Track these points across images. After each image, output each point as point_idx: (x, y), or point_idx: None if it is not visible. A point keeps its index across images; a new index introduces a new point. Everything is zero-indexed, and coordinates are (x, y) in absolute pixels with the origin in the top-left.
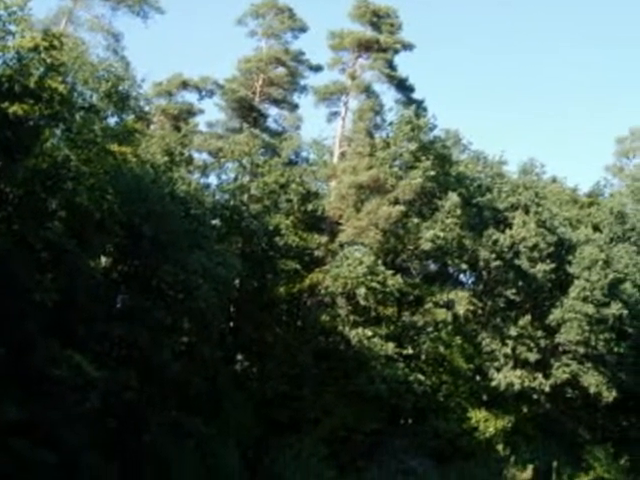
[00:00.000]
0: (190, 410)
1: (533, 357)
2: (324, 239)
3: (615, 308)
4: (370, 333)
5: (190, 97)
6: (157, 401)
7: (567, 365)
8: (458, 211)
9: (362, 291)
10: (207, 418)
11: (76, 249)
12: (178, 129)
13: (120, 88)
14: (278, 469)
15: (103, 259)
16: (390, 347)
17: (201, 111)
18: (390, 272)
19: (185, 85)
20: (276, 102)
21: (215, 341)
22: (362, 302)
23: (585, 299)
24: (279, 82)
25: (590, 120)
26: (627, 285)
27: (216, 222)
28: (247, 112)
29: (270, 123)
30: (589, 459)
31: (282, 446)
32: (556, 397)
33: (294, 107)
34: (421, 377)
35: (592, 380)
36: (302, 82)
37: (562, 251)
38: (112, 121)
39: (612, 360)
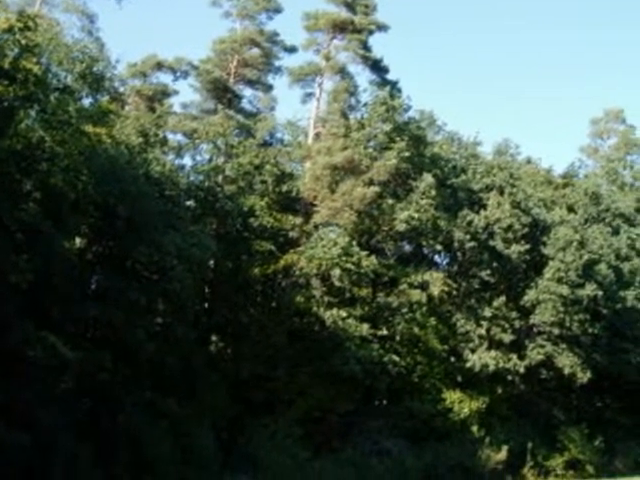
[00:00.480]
0: (165, 391)
1: (508, 338)
2: (299, 220)
3: (590, 289)
4: (345, 314)
5: (165, 78)
6: (131, 382)
7: (542, 346)
8: (433, 192)
9: (337, 272)
10: (182, 399)
11: (51, 230)
12: (153, 110)
13: (95, 69)
14: (253, 450)
15: (78, 240)
16: (365, 328)
17: (176, 92)
18: (365, 253)
19: (160, 66)
20: (250, 83)
21: (190, 322)
22: (337, 283)
23: (560, 280)
24: (254, 63)
25: (565, 101)
26: (602, 266)
27: (191, 203)
28: (221, 93)
29: (244, 104)
30: (564, 440)
31: (257, 427)
32: (531, 378)
33: (268, 88)
34: (396, 358)
35: (567, 361)
36: (277, 63)
37: (537, 232)
38: (87, 102)
39: (586, 341)
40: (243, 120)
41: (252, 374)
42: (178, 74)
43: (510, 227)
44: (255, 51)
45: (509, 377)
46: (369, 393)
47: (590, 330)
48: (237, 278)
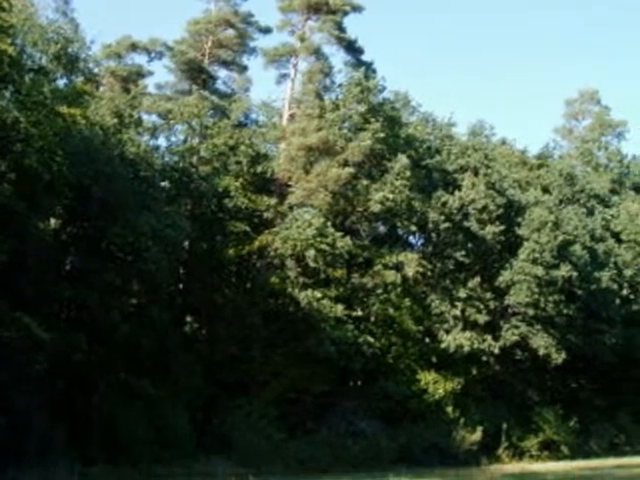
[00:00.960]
0: (139, 372)
1: (482, 319)
2: (273, 201)
3: (564, 270)
4: (319, 295)
5: (139, 59)
6: (106, 363)
7: (516, 327)
8: (407, 173)
9: (311, 253)
10: (156, 380)
11: (25, 211)
12: (127, 91)
13: (69, 50)
14: (227, 430)
15: (52, 221)
16: (339, 309)
17: (150, 73)
18: (339, 234)
19: (134, 47)
20: (225, 64)
21: (164, 303)
22: (311, 264)
23: (534, 261)
24: (228, 44)
25: (539, 82)
26: (576, 247)
27: (165, 184)
28: (196, 74)
29: (219, 85)
30: (538, 421)
31: (231, 408)
32: (505, 359)
33: (243, 69)
34: (370, 339)
35: (541, 342)
36: (251, 44)
37: (511, 213)
38: (61, 83)
39: (561, 322)
40: (218, 101)
41: (227, 355)
42: (153, 55)
43: (485, 208)
44: (230, 32)
45: (484, 358)
46: (344, 374)
47: (565, 311)
48: (212, 259)
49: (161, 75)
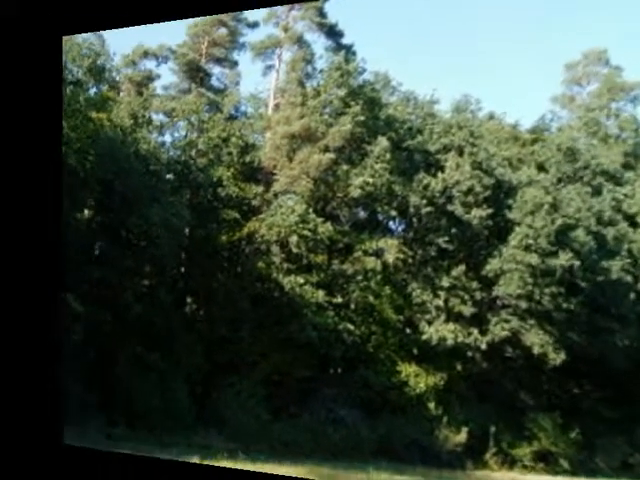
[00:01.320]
0: (150, 348)
1: (468, 310)
2: (260, 189)
3: (564, 258)
4: (302, 280)
5: (149, 64)
6: (124, 338)
7: (506, 321)
8: (387, 156)
9: (294, 239)
10: (164, 356)
11: (68, 204)
12: (141, 94)
13: (98, 62)
14: (222, 406)
15: (85, 212)
16: (320, 295)
17: (158, 76)
18: (320, 220)
19: (146, 54)
20: (218, 61)
21: (169, 285)
22: (294, 250)
23: (528, 248)
24: (222, 42)
25: (533, 49)
26: (579, 232)
27: (170, 176)
28: (195, 73)
29: (213, 81)
30: (532, 428)
31: (224, 386)
32: (494, 356)
33: (234, 64)
34: (350, 326)
35: (536, 339)
36: (241, 40)
37: (500, 195)
38: (92, 92)
39: (560, 317)
40: (213, 97)
41: (219, 336)
42: (160, 60)
43: (470, 190)
44: (223, 30)
45: (469, 353)
46: (325, 361)
47: (565, 305)
48: (207, 245)
49: (167, 77)
